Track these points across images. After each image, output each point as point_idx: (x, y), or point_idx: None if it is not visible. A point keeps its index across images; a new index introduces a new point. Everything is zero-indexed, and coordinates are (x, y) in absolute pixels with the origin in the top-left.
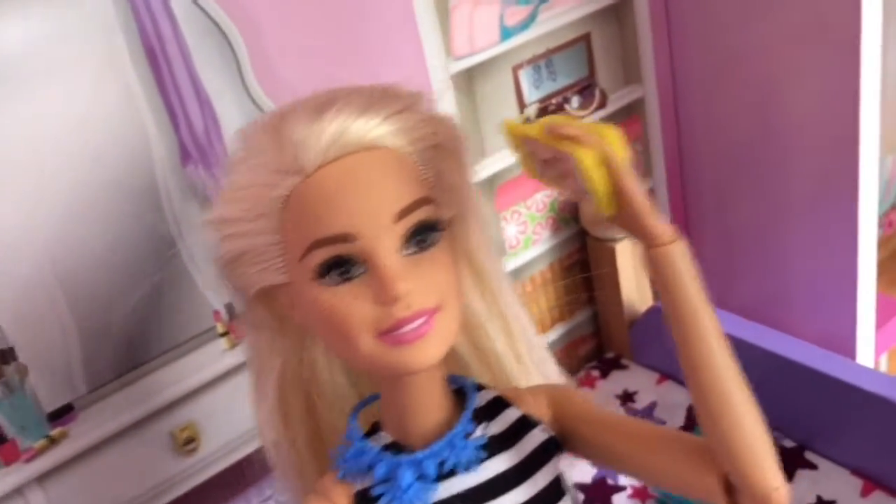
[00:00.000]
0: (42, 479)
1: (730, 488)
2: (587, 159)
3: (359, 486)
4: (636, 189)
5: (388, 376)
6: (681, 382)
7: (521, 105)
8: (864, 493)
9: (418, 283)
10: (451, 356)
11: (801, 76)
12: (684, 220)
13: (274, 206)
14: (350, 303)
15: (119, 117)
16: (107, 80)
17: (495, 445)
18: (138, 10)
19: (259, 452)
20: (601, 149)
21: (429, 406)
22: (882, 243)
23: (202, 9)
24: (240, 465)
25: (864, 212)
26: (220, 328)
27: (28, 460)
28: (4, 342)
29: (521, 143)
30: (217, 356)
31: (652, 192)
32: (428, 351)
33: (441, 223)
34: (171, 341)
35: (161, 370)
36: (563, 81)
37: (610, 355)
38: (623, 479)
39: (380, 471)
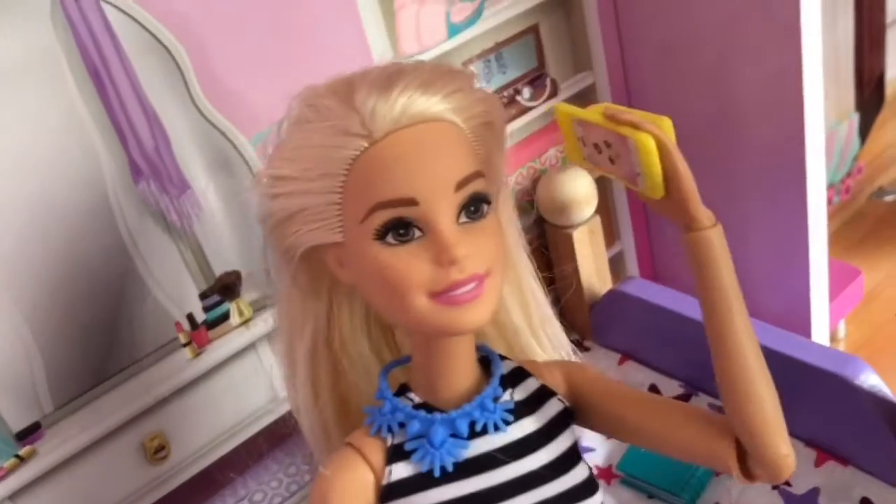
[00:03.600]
0: (15, 496)
1: (741, 456)
2: (648, 143)
3: (392, 441)
4: (688, 174)
5: (431, 337)
6: (640, 362)
7: None
8: (818, 463)
9: (471, 250)
10: None
11: (747, 56)
12: (641, 205)
13: (339, 166)
14: (408, 262)
15: (66, 139)
16: (51, 103)
17: (520, 410)
18: (78, 31)
19: (231, 455)
20: (659, 135)
21: (460, 369)
22: (840, 210)
23: (143, 26)
24: (212, 469)
25: (813, 187)
26: (182, 338)
27: None
28: None
29: (574, 127)
30: (182, 365)
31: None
32: (478, 313)
33: (491, 196)
34: (135, 354)
35: (126, 383)
36: (513, 73)
37: (573, 338)
38: (589, 460)
39: (413, 427)
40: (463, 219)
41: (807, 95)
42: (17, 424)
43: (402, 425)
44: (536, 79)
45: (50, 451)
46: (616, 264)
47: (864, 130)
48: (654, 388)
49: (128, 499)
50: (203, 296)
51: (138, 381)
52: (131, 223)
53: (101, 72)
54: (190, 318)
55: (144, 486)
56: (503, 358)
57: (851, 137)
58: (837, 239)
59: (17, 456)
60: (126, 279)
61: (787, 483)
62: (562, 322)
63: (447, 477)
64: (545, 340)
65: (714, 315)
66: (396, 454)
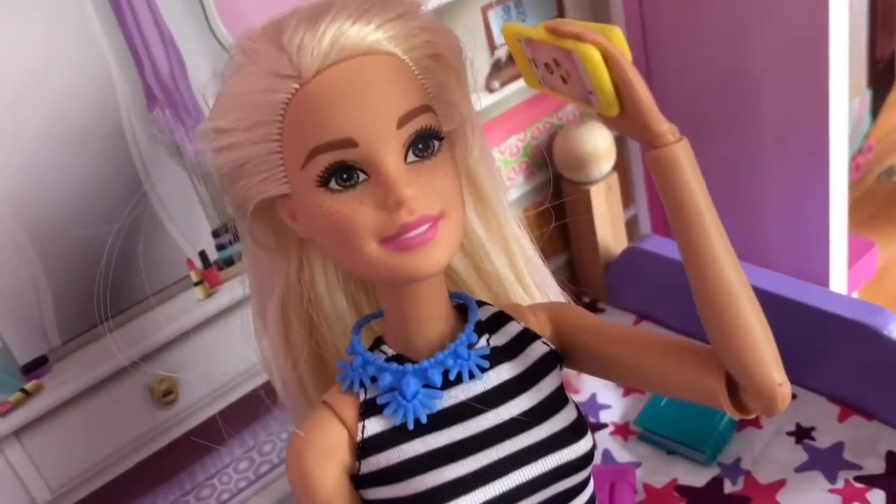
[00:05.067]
0: (19, 432)
1: (732, 388)
2: (593, 53)
3: (365, 397)
4: (642, 84)
5: (392, 285)
6: (656, 322)
7: (492, 46)
8: (842, 418)
9: (421, 190)
10: (454, 278)
11: (771, 17)
12: None
13: (273, 112)
14: (354, 208)
15: (80, 61)
16: (65, 23)
17: (498, 356)
18: None
19: (240, 404)
20: (605, 44)
21: (432, 318)
22: (850, 187)
23: None
24: (221, 417)
25: (835, 152)
26: (194, 277)
27: (3, 414)
28: None
29: (522, 48)
30: (192, 306)
31: (623, 135)
32: (433, 257)
33: (442, 132)
34: (145, 291)
35: (135, 321)
36: (532, 22)
37: (587, 299)
38: (604, 417)
39: (385, 380)
40: (411, 158)
41: (832, 60)
42: (24, 357)
43: (374, 379)
44: None
45: (57, 386)
46: (631, 228)
47: (876, 108)
48: None
49: (134, 443)
50: (216, 234)
51: (147, 319)
52: (144, 151)
53: None
54: (202, 255)
55: (151, 431)
56: (483, 304)
57: (863, 114)
58: (849, 214)
59: (22, 390)
60: (137, 210)
61: (811, 437)
62: (576, 283)
63: (422, 429)
64: (532, 288)
65: (689, 237)
66: (369, 409)
